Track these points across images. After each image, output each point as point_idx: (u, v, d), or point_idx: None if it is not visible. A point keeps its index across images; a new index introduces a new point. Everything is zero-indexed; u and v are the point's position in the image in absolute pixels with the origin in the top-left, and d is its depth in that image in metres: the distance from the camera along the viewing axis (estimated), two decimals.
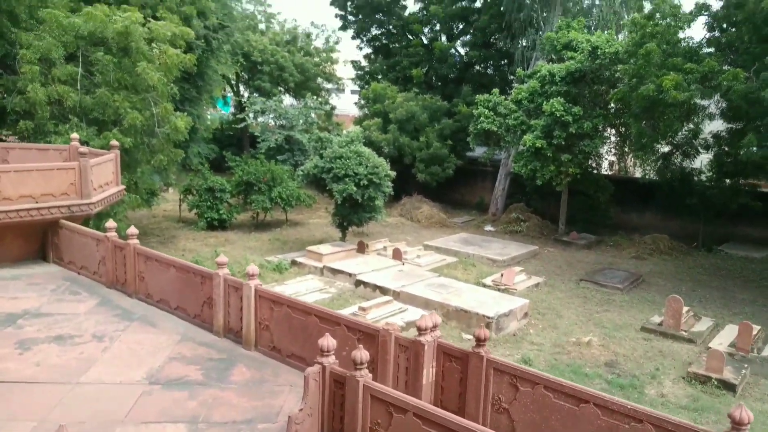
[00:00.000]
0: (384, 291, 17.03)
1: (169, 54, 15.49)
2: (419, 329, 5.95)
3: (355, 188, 19.30)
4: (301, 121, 30.35)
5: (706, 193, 23.98)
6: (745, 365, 13.38)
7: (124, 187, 12.99)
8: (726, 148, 23.22)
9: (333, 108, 35.90)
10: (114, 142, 12.64)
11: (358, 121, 32.95)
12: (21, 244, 10.64)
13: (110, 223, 9.67)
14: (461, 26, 35.01)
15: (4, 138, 16.88)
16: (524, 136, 22.50)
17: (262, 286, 7.83)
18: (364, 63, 36.52)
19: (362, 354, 5.10)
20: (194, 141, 22.58)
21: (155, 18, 17.46)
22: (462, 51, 35.27)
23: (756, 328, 14.98)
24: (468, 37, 34.69)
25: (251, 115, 33.79)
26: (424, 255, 21.49)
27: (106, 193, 11.43)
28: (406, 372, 5.93)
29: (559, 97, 21.92)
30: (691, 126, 22.54)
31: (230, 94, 39.89)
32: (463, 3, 34.00)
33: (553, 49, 25.01)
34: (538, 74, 24.03)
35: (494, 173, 32.41)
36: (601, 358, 14.25)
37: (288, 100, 37.23)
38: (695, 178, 25.14)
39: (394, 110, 29.24)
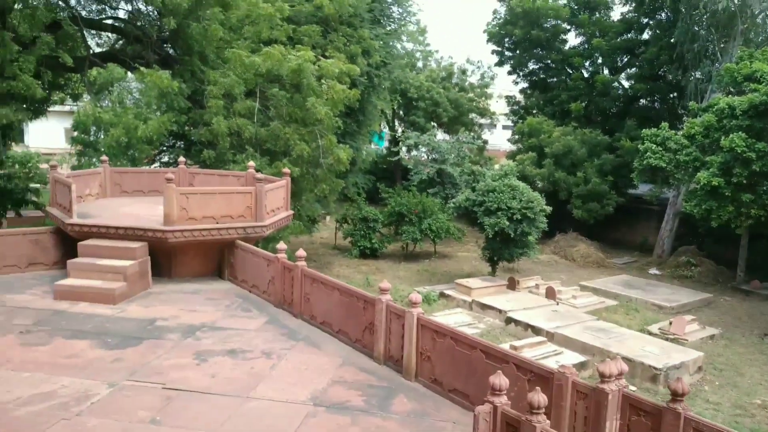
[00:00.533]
0: (536, 331, 16.24)
1: (336, 89, 16.33)
2: (602, 376, 5.43)
3: (507, 222, 18.81)
4: (453, 155, 30.46)
5: None
6: None
7: (292, 212, 13.68)
8: None
9: (485, 142, 35.68)
10: (286, 170, 13.43)
11: (511, 156, 32.41)
12: (201, 262, 11.52)
13: (281, 245, 10.14)
14: (626, 59, 33.47)
15: (188, 165, 18.73)
16: (698, 174, 20.55)
17: (425, 315, 7.71)
18: (519, 97, 36.02)
19: (540, 398, 4.72)
20: (353, 172, 23.47)
21: (324, 56, 18.56)
22: (626, 84, 33.56)
23: None
24: (633, 69, 33.02)
25: (404, 148, 34.67)
26: (581, 296, 20.27)
27: (277, 217, 12.02)
28: (585, 422, 5.42)
29: (740, 132, 19.81)
30: None
31: (385, 130, 41.26)
32: (629, 35, 32.50)
33: (732, 81, 22.85)
34: (715, 107, 21.97)
35: (660, 212, 30.06)
36: None
37: (440, 134, 37.72)
38: None
39: (550, 144, 28.36)
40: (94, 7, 18.64)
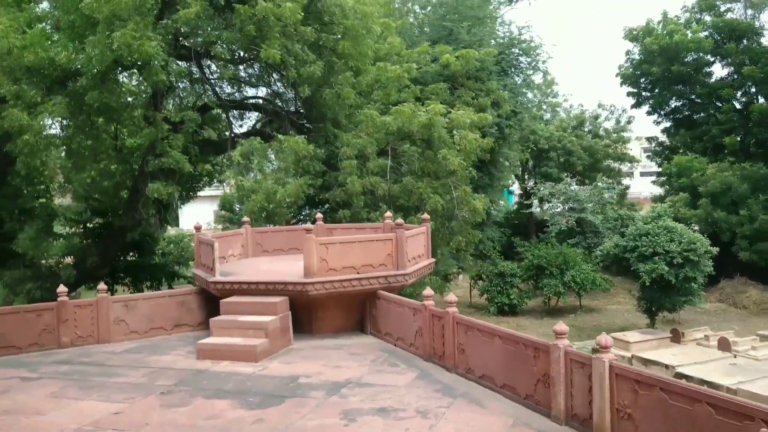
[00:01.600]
0: (714, 388, 14.16)
1: (468, 139, 16.07)
2: None
3: (666, 268, 17.04)
4: (592, 203, 28.84)
5: None
6: None
7: (434, 260, 13.24)
8: None
9: (627, 188, 33.52)
10: (425, 216, 13.11)
11: (659, 200, 30.05)
12: (343, 316, 11.27)
13: (428, 291, 9.60)
14: None
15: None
16: None
17: (617, 361, 6.69)
18: (662, 138, 33.70)
19: None
20: (487, 225, 22.84)
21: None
22: None
23: None
24: None
25: (536, 201, 33.50)
26: (761, 347, 17.64)
27: (419, 265, 11.58)
28: None
29: None
30: None
31: (514, 186, 40.34)
32: None
33: None
34: None
35: None
36: None
37: (574, 185, 36.17)
38: None
39: (704, 183, 25.91)
40: (237, 94, 20.17)
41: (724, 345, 17.46)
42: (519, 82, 25.57)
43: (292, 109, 18.36)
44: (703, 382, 14.47)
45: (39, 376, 9.56)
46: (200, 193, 23.87)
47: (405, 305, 10.07)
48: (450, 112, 17.05)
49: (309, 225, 14.25)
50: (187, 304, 11.96)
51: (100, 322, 11.19)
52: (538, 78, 31.02)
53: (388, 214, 13.30)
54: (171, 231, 28.23)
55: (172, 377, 9.36)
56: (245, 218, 14.66)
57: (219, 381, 9.12)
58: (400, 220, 11.75)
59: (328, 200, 17.38)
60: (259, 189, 14.88)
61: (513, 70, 24.77)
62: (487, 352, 8.08)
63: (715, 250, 17.02)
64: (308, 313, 11.17)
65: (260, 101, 19.78)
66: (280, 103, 18.55)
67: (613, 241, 18.66)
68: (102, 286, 11.57)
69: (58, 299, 10.98)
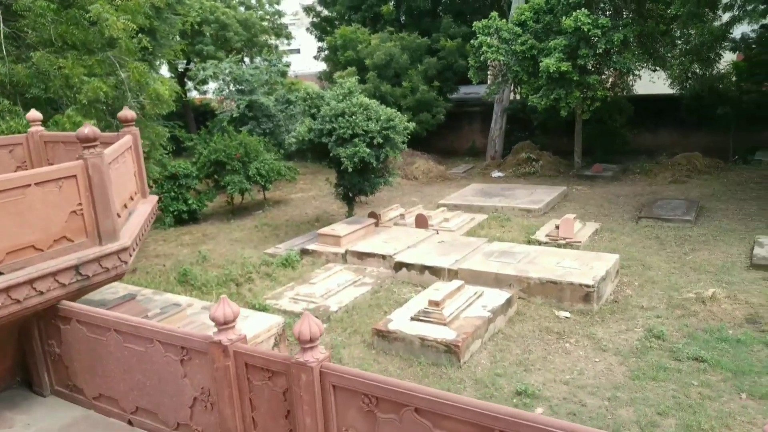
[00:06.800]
0: (436, 272, 13.58)
1: None
2: None
3: (368, 150, 15.53)
4: (260, 85, 25.93)
5: (743, 99, 21.41)
6: None
7: (156, 198, 8.49)
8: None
9: (288, 65, 31.38)
10: (127, 113, 7.91)
11: (326, 75, 28.79)
12: None
13: (226, 310, 4.82)
14: None
15: None
16: (544, 61, 18.99)
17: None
18: (320, 9, 31.90)
19: None
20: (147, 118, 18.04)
21: None
22: None
23: None
24: None
25: (194, 84, 29.18)
26: (451, 217, 18.07)
27: (137, 221, 6.40)
28: None
29: (582, 9, 18.49)
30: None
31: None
32: None
33: None
34: None
35: (483, 113, 29.17)
36: (737, 313, 11.35)
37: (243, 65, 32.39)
38: (720, 86, 22.54)
39: (370, 55, 25.22)
40: None
41: (421, 222, 17.26)
42: None
43: None
44: (424, 267, 13.76)
45: None
46: None
47: (157, 336, 5.08)
48: None
49: None
50: None
51: None
52: None
53: (36, 114, 7.94)
54: None
55: None
56: None
57: None
58: (90, 128, 5.74)
59: None
60: None
61: None
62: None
63: (412, 125, 16.05)
64: None
65: None
66: None
67: (307, 125, 16.25)
68: None
69: None
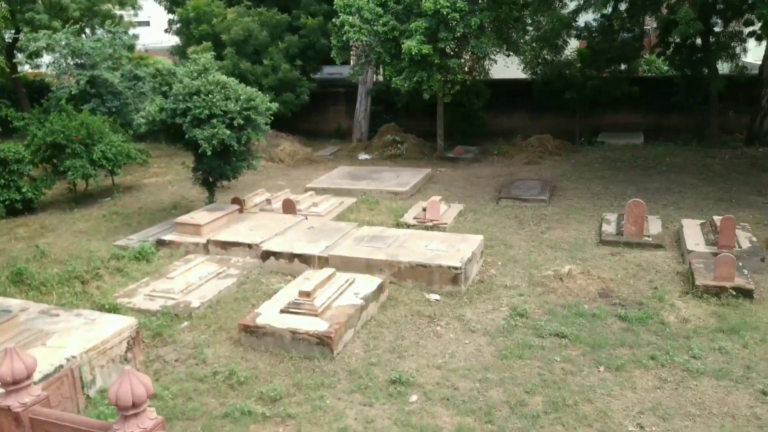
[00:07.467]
0: (306, 260, 13.08)
1: None
2: None
3: (228, 132, 14.54)
4: (103, 59, 23.53)
5: (588, 84, 23.00)
6: (740, 264, 12.06)
7: None
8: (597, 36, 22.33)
9: (135, 37, 28.84)
10: None
11: (178, 51, 26.83)
12: None
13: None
14: None
15: None
16: (406, 42, 18.99)
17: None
18: None
19: None
20: None
21: None
22: None
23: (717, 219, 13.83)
24: None
25: (24, 57, 25.93)
26: (320, 201, 17.62)
27: None
28: None
29: None
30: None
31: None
32: None
33: None
34: None
35: (347, 94, 28.89)
36: (591, 288, 12.09)
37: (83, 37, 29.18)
38: (567, 71, 24.07)
39: (227, 30, 23.80)
40: None
41: (289, 207, 16.63)
42: None
43: None
44: (293, 256, 13.19)
45: None
46: None
47: None
48: None
49: None
50: None
51: None
52: None
53: None
54: None
55: None
56: None
57: None
58: None
59: None
60: None
61: None
62: None
63: (275, 105, 15.27)
64: None
65: None
66: None
67: (158, 104, 14.89)
68: None
69: None
